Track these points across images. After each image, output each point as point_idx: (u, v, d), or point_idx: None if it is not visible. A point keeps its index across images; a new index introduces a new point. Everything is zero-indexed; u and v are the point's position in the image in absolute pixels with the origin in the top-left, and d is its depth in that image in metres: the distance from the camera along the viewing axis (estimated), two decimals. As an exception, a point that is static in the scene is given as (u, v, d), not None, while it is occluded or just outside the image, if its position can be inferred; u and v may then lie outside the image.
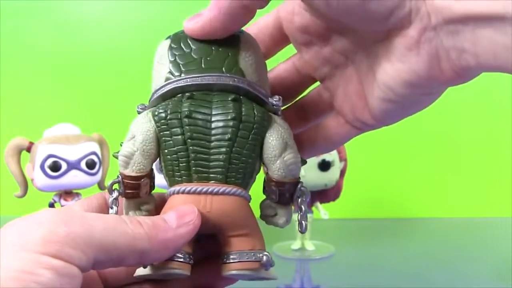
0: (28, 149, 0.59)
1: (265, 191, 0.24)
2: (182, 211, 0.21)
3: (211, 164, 0.22)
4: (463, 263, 0.63)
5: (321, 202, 0.66)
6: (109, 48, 0.92)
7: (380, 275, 0.58)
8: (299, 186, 0.24)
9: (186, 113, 0.22)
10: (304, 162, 0.24)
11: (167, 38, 0.25)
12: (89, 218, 0.19)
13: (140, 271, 0.22)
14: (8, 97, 0.91)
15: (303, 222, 0.24)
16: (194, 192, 0.22)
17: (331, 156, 0.63)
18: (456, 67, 0.20)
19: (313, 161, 0.62)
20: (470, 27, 0.18)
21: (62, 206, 0.59)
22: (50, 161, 0.57)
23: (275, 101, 0.24)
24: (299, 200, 0.24)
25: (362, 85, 0.24)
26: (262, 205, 0.25)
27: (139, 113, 0.24)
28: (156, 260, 0.21)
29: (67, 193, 0.60)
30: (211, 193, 0.22)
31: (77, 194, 0.61)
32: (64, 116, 0.71)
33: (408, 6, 0.19)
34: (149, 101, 0.24)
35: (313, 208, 0.66)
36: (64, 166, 0.57)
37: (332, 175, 0.63)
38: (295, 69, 0.27)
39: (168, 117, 0.22)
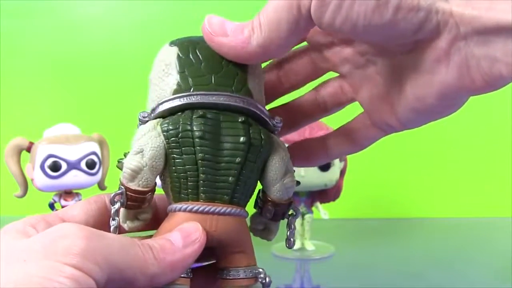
0: (28, 149, 0.59)
1: (258, 208, 0.25)
2: (187, 231, 0.22)
3: (218, 184, 0.22)
4: (463, 263, 0.63)
5: (321, 202, 0.66)
6: (109, 48, 0.92)
7: (380, 275, 0.58)
8: (292, 205, 0.25)
9: (199, 134, 0.22)
10: (298, 183, 0.25)
11: (171, 45, 0.24)
12: (108, 237, 0.19)
13: None
14: (8, 97, 0.91)
15: (291, 239, 0.26)
16: (202, 212, 0.22)
17: (331, 156, 0.63)
18: (488, 76, 0.19)
19: (313, 161, 0.61)
20: (503, 38, 0.18)
21: (62, 206, 0.59)
22: (50, 161, 0.57)
23: (277, 122, 0.24)
24: (290, 218, 0.25)
25: (388, 92, 0.24)
26: (253, 219, 0.26)
27: (141, 121, 0.24)
28: (165, 282, 0.21)
29: (67, 193, 0.60)
30: (218, 213, 0.22)
31: (77, 194, 0.61)
32: (64, 116, 0.71)
33: (435, 19, 0.19)
34: (152, 109, 0.24)
35: (313, 208, 0.66)
36: (64, 166, 0.57)
37: (332, 175, 0.63)
38: (311, 62, 0.26)
39: (179, 135, 0.22)
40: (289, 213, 0.25)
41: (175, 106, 0.23)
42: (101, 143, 0.63)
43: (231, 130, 0.22)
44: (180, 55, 0.24)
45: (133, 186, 0.22)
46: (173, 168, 0.22)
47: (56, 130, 0.60)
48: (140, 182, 0.22)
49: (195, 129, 0.22)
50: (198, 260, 0.24)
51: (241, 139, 0.22)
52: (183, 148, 0.22)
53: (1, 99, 0.90)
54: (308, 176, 0.60)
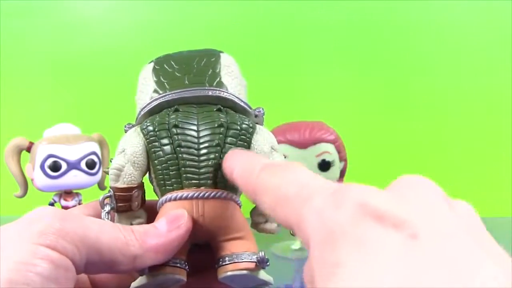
0: (28, 149, 0.59)
1: None
2: (172, 216, 0.22)
3: (200, 170, 0.23)
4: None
5: (321, 202, 0.66)
6: (109, 48, 0.92)
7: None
8: None
9: (173, 123, 0.23)
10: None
11: (149, 62, 0.26)
12: (85, 219, 0.19)
13: (135, 283, 0.22)
14: (8, 97, 0.91)
15: None
16: (186, 198, 0.22)
17: (331, 156, 0.63)
18: None
19: (313, 161, 0.62)
20: None
21: (62, 206, 0.59)
22: (50, 161, 0.57)
23: (258, 111, 0.25)
24: None
25: None
26: (252, 213, 0.26)
27: (126, 131, 0.25)
28: (149, 264, 0.21)
29: (67, 193, 0.60)
30: (202, 197, 0.22)
31: (77, 194, 0.61)
32: (64, 116, 0.71)
33: None
34: (136, 119, 0.25)
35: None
36: (64, 166, 0.57)
37: (332, 175, 0.63)
38: None
39: (156, 129, 0.23)
40: None
41: (153, 108, 0.24)
42: (101, 143, 0.63)
43: (207, 118, 0.23)
44: (156, 67, 0.25)
45: (118, 184, 0.23)
46: (155, 161, 0.23)
47: (56, 130, 0.60)
48: (125, 179, 0.23)
49: (170, 121, 0.23)
50: (198, 267, 0.24)
51: (217, 123, 0.23)
52: (160, 140, 0.23)
53: (1, 99, 0.90)
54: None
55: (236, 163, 0.21)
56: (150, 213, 0.24)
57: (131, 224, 0.24)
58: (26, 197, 0.60)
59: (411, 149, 0.89)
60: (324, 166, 0.62)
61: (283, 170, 0.18)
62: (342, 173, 0.66)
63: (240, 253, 0.23)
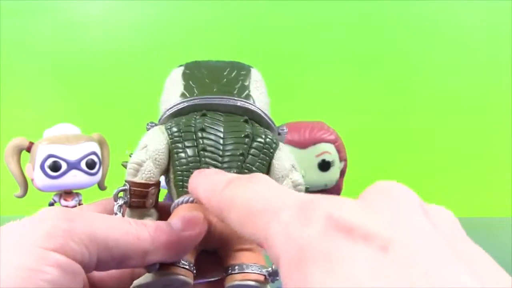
0: (28, 149, 0.59)
1: None
2: (189, 217, 0.21)
3: None
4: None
5: (321, 202, 0.66)
6: (109, 48, 0.92)
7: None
8: None
9: (200, 126, 0.23)
10: (307, 189, 0.25)
11: (179, 66, 0.26)
12: (92, 216, 0.19)
13: (140, 280, 0.22)
14: (8, 97, 0.91)
15: None
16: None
17: (331, 156, 0.63)
18: None
19: (313, 161, 0.62)
20: None
21: (62, 206, 0.59)
22: (50, 161, 0.57)
23: (281, 129, 0.25)
24: None
25: None
26: None
27: (148, 129, 0.24)
28: (159, 261, 0.20)
29: (67, 193, 0.60)
30: None
31: (77, 194, 0.61)
32: (64, 116, 0.71)
33: None
34: (159, 119, 0.25)
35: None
36: (64, 166, 0.57)
37: (332, 175, 0.63)
38: None
39: (181, 130, 0.23)
40: None
41: (179, 109, 0.24)
42: (101, 143, 0.63)
43: (234, 127, 0.23)
44: (186, 71, 0.25)
45: (136, 179, 0.23)
46: (176, 162, 0.23)
47: (56, 130, 0.60)
48: (143, 175, 0.23)
49: (197, 124, 0.23)
50: (203, 274, 0.23)
51: (243, 133, 0.23)
52: (185, 142, 0.23)
53: (1, 99, 0.90)
54: (308, 176, 0.60)
55: (199, 181, 0.20)
56: (161, 214, 0.24)
57: None
58: (26, 197, 0.60)
59: (411, 149, 0.89)
60: (324, 166, 0.62)
61: (248, 182, 0.18)
62: (342, 173, 0.66)
63: (250, 264, 0.22)
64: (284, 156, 0.24)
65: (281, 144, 0.25)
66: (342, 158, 0.66)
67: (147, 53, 0.91)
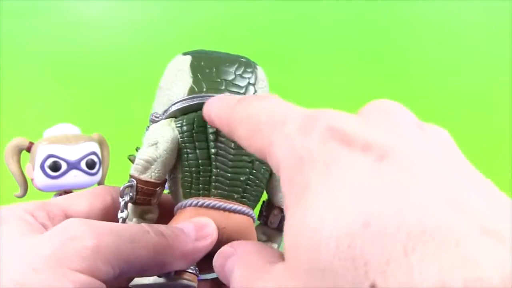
0: (28, 149, 0.59)
1: (263, 217, 0.25)
2: (201, 224, 0.21)
3: (230, 182, 0.23)
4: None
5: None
6: (109, 48, 0.92)
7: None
8: None
9: (214, 128, 0.22)
10: None
11: (185, 54, 0.25)
12: (117, 230, 0.19)
13: (140, 280, 0.22)
14: (8, 97, 0.91)
15: None
16: (213, 207, 0.22)
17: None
18: None
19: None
20: None
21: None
22: (50, 161, 0.57)
23: None
24: None
25: None
26: (256, 230, 0.26)
27: (153, 121, 0.24)
28: (174, 269, 0.21)
29: (67, 193, 0.60)
30: (229, 210, 0.22)
31: (77, 194, 0.61)
32: (64, 116, 0.71)
33: None
34: (164, 110, 0.24)
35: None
36: (64, 166, 0.57)
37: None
38: None
39: (194, 130, 0.23)
40: None
41: (188, 106, 0.23)
42: (101, 143, 0.63)
43: None
44: (194, 62, 0.24)
45: (145, 177, 0.22)
46: (186, 162, 0.23)
47: (56, 130, 0.60)
48: (153, 174, 0.22)
49: (209, 125, 0.22)
50: (204, 270, 0.23)
51: None
52: (197, 143, 0.22)
53: (1, 99, 0.90)
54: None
55: (213, 103, 0.21)
56: (161, 210, 0.24)
57: (143, 218, 0.23)
58: (26, 197, 0.60)
59: (411, 149, 0.89)
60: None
61: (258, 100, 0.18)
62: (342, 173, 0.66)
63: None
64: None
65: None
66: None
67: (147, 53, 0.91)
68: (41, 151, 0.57)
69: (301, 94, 0.89)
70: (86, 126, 0.64)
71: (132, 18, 0.92)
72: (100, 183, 0.62)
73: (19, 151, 0.59)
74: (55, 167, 0.57)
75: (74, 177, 0.58)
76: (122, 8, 0.92)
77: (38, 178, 0.58)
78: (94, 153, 0.60)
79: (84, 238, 0.18)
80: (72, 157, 0.58)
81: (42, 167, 0.57)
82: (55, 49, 0.91)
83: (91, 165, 0.59)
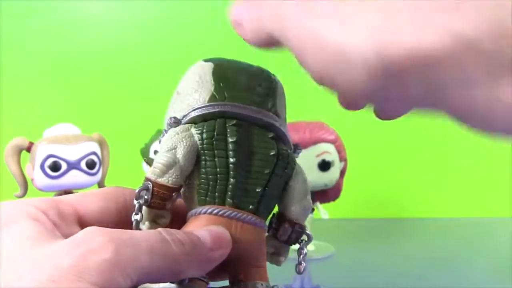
0: (28, 149, 0.59)
1: (273, 230, 0.25)
2: (216, 233, 0.21)
3: (246, 192, 0.23)
4: (463, 263, 0.63)
5: (321, 202, 0.66)
6: (109, 48, 0.92)
7: (380, 275, 0.58)
8: (305, 230, 0.25)
9: (234, 139, 0.22)
10: (312, 210, 0.26)
11: (206, 61, 0.25)
12: (136, 240, 0.19)
13: (151, 286, 0.22)
14: (8, 97, 0.91)
15: (302, 263, 0.26)
16: (228, 216, 0.22)
17: (331, 156, 0.63)
18: None
19: (313, 161, 0.62)
20: None
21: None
22: (50, 161, 0.57)
23: (298, 149, 0.26)
24: (303, 243, 0.26)
25: None
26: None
27: (170, 125, 0.24)
28: (187, 277, 0.21)
29: (67, 193, 0.60)
30: (243, 220, 0.22)
31: (77, 194, 0.61)
32: (64, 116, 0.71)
33: None
34: (183, 116, 0.24)
35: (313, 208, 0.66)
36: (64, 166, 0.57)
37: (332, 175, 0.63)
38: None
39: (214, 138, 0.23)
40: (302, 238, 0.26)
41: (208, 113, 0.23)
42: (101, 143, 0.63)
43: (262, 142, 0.23)
44: (216, 69, 0.24)
45: (161, 181, 0.22)
46: (203, 170, 0.23)
47: (56, 130, 0.60)
48: (170, 178, 0.22)
49: (230, 134, 0.23)
50: (213, 278, 0.23)
51: (272, 152, 0.23)
52: (216, 151, 0.22)
53: (1, 99, 0.90)
54: (308, 176, 0.60)
55: (244, 7, 0.20)
56: (174, 215, 0.24)
57: (156, 222, 0.23)
58: (26, 197, 0.60)
59: (411, 149, 0.89)
60: (324, 166, 0.62)
61: None
62: (342, 173, 0.66)
63: (259, 282, 0.23)
64: (301, 179, 0.25)
65: (298, 165, 0.25)
66: (342, 158, 0.66)
67: (147, 53, 0.91)
68: (41, 151, 0.57)
69: (301, 94, 0.89)
70: (86, 126, 0.64)
71: (132, 18, 0.92)
72: (100, 183, 0.62)
73: (19, 151, 0.59)
74: (55, 167, 0.57)
75: (74, 177, 0.58)
76: (122, 8, 0.92)
77: (38, 178, 0.58)
78: (94, 153, 0.60)
79: (103, 251, 0.17)
80: (72, 157, 0.58)
81: (42, 167, 0.57)
82: (55, 49, 0.91)
83: (91, 165, 0.59)
